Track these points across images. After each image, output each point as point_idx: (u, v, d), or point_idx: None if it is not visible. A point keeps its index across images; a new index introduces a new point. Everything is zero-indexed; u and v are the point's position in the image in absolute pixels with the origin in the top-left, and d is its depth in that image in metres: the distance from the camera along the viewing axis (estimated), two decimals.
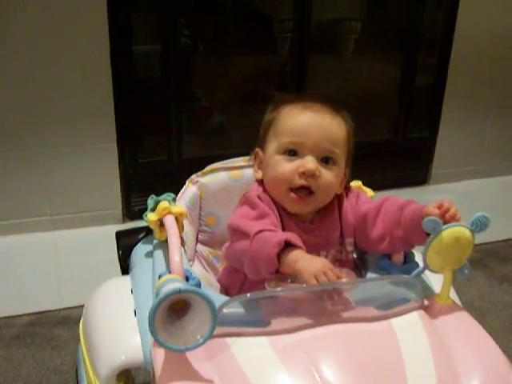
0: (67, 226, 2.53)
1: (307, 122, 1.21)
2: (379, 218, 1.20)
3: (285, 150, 1.21)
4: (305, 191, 1.19)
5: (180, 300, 0.94)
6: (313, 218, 1.24)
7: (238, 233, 1.16)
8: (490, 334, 1.06)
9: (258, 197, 1.21)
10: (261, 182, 1.27)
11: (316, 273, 1.00)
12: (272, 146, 1.23)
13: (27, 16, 2.21)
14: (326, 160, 1.20)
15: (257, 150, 1.30)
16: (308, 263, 1.03)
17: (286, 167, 1.20)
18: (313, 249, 1.15)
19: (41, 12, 2.22)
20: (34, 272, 2.30)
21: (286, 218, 1.22)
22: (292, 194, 1.19)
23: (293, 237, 1.08)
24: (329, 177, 1.20)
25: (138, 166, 2.62)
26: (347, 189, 1.30)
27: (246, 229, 1.13)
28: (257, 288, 1.09)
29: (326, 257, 1.21)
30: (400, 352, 0.96)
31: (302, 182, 1.18)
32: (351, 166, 1.30)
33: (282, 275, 1.07)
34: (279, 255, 1.05)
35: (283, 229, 1.19)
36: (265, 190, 1.25)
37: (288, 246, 1.06)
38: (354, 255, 1.29)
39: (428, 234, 1.05)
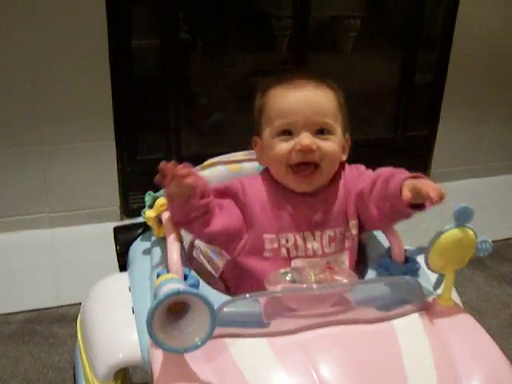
0: (65, 223, 2.53)
1: (294, 101, 1.20)
2: (372, 196, 1.18)
3: (278, 132, 1.20)
4: (309, 168, 1.18)
5: (179, 301, 0.94)
6: (311, 192, 1.22)
7: None
8: (488, 333, 1.05)
9: (241, 182, 1.22)
10: (264, 173, 1.27)
11: None
12: (266, 131, 1.23)
13: (26, 12, 2.20)
14: (321, 131, 1.19)
15: (254, 137, 1.29)
16: None
17: (283, 147, 1.19)
18: (306, 227, 1.18)
19: (40, 8, 2.21)
20: (32, 269, 2.30)
21: (282, 197, 1.21)
22: (293, 174, 1.19)
23: None
24: (329, 146, 1.19)
25: (136, 164, 2.61)
26: (348, 163, 1.29)
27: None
28: (255, 287, 1.10)
29: (322, 237, 1.20)
30: (400, 353, 0.95)
31: (301, 158, 1.17)
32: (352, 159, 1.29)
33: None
34: None
35: (278, 207, 1.20)
36: (264, 180, 1.24)
37: None
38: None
39: (413, 207, 1.07)
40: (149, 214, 1.30)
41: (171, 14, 2.47)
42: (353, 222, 1.23)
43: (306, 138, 1.17)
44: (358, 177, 1.25)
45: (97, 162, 2.51)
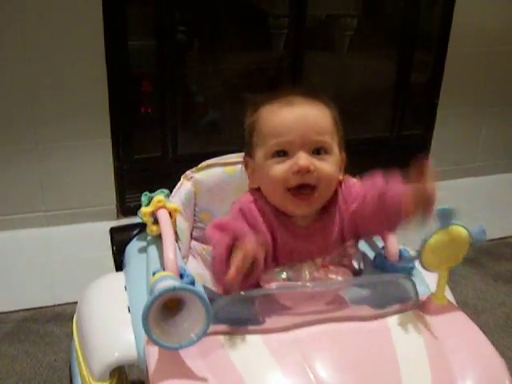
0: (61, 221, 2.53)
1: (289, 118, 1.13)
2: (365, 213, 1.14)
3: (273, 152, 1.13)
4: (307, 190, 1.12)
5: (174, 298, 0.94)
6: (308, 223, 1.17)
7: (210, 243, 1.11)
8: (484, 332, 1.05)
9: (241, 210, 1.16)
10: (254, 191, 1.20)
11: None
12: (260, 152, 1.16)
13: (23, 13, 2.20)
14: (317, 151, 1.12)
15: (246, 159, 1.23)
16: None
17: (279, 169, 1.12)
18: (307, 256, 1.13)
19: (37, 8, 2.21)
20: (28, 268, 2.29)
21: (279, 227, 1.16)
22: (292, 197, 1.12)
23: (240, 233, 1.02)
24: (326, 167, 1.12)
25: (133, 162, 2.62)
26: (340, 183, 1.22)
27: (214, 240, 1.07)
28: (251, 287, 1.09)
29: (323, 263, 1.15)
30: (394, 351, 0.95)
31: (299, 180, 1.11)
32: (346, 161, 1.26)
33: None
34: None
35: (275, 240, 1.14)
36: (256, 200, 1.18)
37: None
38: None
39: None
40: (145, 209, 1.31)
41: (167, 14, 2.47)
42: (349, 243, 1.19)
43: (303, 159, 1.10)
44: (348, 195, 1.19)
45: (93, 160, 2.51)
